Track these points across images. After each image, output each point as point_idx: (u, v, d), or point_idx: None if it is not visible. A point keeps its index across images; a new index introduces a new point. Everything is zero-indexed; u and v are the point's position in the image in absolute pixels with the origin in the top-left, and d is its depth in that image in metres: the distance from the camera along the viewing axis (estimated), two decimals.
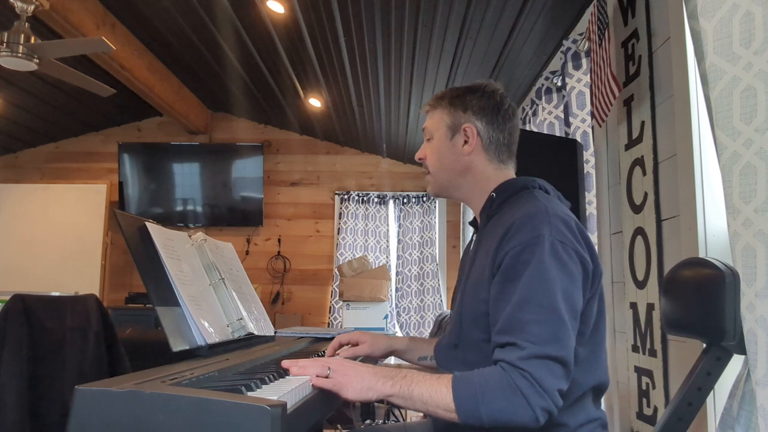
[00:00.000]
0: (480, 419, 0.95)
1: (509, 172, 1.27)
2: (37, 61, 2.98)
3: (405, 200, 5.45)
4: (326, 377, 1.04)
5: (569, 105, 2.40)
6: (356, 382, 1.02)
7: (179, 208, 5.46)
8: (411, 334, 5.24)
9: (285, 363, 1.11)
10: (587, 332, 1.07)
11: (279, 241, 5.51)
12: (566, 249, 1.02)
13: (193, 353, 1.21)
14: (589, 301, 1.07)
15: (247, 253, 5.44)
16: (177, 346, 1.16)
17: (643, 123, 1.74)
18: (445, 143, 1.26)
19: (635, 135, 1.79)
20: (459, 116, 1.24)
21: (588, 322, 1.07)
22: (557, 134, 2.65)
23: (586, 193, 2.22)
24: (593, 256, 1.08)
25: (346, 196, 5.44)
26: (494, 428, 0.97)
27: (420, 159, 1.32)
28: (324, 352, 1.46)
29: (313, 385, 1.03)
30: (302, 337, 1.85)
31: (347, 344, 1.42)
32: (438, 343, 1.32)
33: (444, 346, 1.25)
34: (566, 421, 1.05)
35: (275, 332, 1.77)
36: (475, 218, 1.31)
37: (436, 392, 0.99)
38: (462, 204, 5.11)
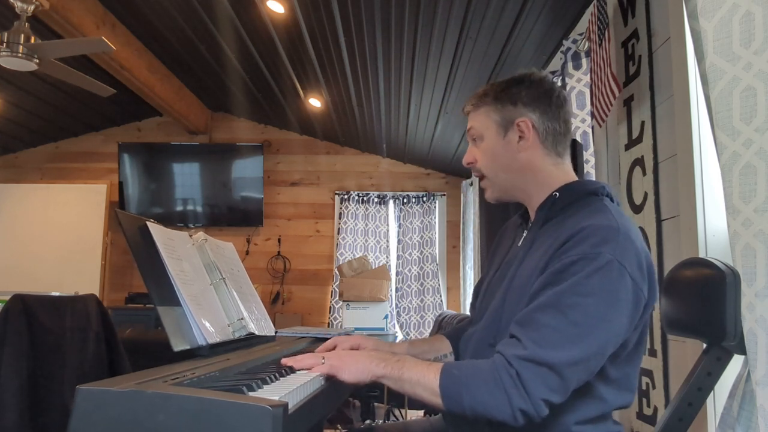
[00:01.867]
0: (462, 408, 0.95)
1: (567, 167, 1.19)
2: (37, 61, 2.98)
3: (405, 200, 5.46)
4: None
5: (569, 105, 2.40)
6: (352, 365, 1.05)
7: (179, 208, 5.47)
8: (411, 334, 5.24)
9: (284, 360, 1.15)
10: (623, 355, 1.03)
11: (279, 241, 5.51)
12: (622, 272, 0.95)
13: (194, 353, 1.21)
14: (634, 330, 1.02)
15: (247, 253, 5.44)
16: (178, 345, 1.16)
17: (643, 123, 1.74)
18: (498, 142, 1.17)
19: (635, 135, 1.79)
20: (509, 111, 1.15)
21: (626, 346, 1.03)
22: None
23: None
24: (651, 290, 1.01)
25: (346, 196, 5.45)
26: (493, 424, 0.96)
27: (469, 164, 1.22)
28: None
29: (311, 371, 1.07)
30: (303, 337, 1.85)
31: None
32: (466, 339, 1.24)
33: (476, 343, 1.17)
34: None
35: (276, 332, 1.78)
36: (525, 212, 1.23)
37: (424, 377, 0.99)
38: (462, 204, 5.11)
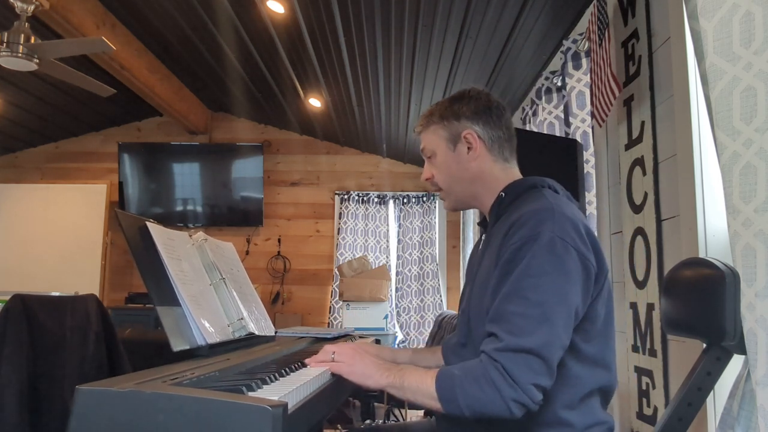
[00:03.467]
0: (460, 409, 0.99)
1: (515, 170, 1.26)
2: (37, 61, 2.98)
3: (405, 200, 5.45)
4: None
5: (569, 105, 2.40)
6: (359, 368, 1.13)
7: (179, 208, 5.47)
8: (411, 334, 5.25)
9: (307, 360, 1.23)
10: (592, 330, 1.07)
11: (279, 241, 5.51)
12: (566, 246, 1.01)
13: (194, 353, 1.21)
14: (594, 301, 1.07)
15: (247, 253, 5.44)
16: (178, 345, 1.16)
17: (643, 123, 1.74)
18: (450, 156, 1.25)
19: (635, 135, 1.79)
20: (454, 126, 1.24)
21: (594, 320, 1.07)
22: (557, 134, 2.66)
23: (586, 193, 2.22)
24: (599, 258, 1.07)
25: (346, 196, 5.45)
26: (482, 420, 1.00)
27: (427, 179, 1.30)
28: None
29: (320, 365, 1.17)
30: (303, 337, 1.85)
31: None
32: (445, 343, 1.32)
33: (452, 346, 1.25)
34: (572, 420, 1.06)
35: (276, 332, 1.78)
36: (484, 218, 1.30)
37: (423, 383, 1.04)
38: None
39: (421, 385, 1.04)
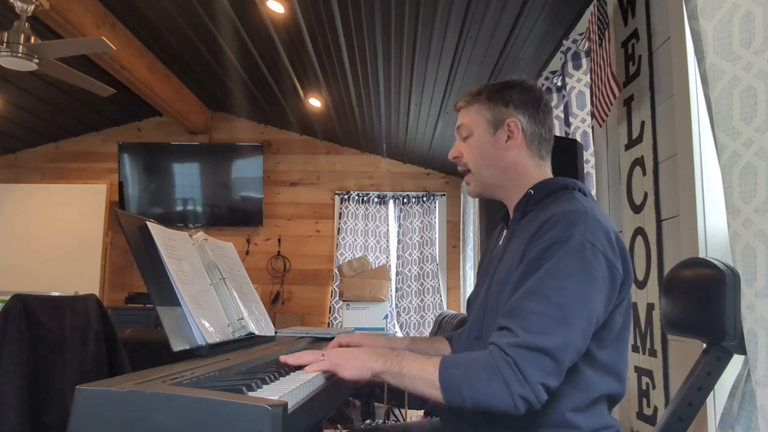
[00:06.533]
0: (462, 399, 0.96)
1: (548, 169, 1.24)
2: (37, 61, 2.98)
3: (405, 200, 5.45)
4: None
5: (569, 105, 2.40)
6: (351, 362, 1.07)
7: (179, 208, 5.47)
8: (411, 334, 5.24)
9: (282, 358, 1.16)
10: (608, 337, 1.06)
11: (279, 241, 5.51)
12: (595, 252, 1.00)
13: (194, 353, 1.21)
14: (615, 309, 1.05)
15: (247, 253, 5.44)
16: (177, 345, 1.16)
17: (643, 123, 1.74)
18: (488, 139, 1.21)
19: (635, 135, 1.79)
20: (501, 111, 1.21)
21: (611, 328, 1.06)
22: (557, 134, 2.65)
23: None
24: (626, 267, 1.05)
25: (346, 196, 5.45)
26: (481, 413, 0.98)
27: (455, 158, 1.26)
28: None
29: (309, 370, 1.09)
30: (302, 337, 1.85)
31: (347, 346, 1.41)
32: (457, 337, 1.30)
33: (465, 339, 1.22)
34: (580, 423, 1.05)
35: (276, 332, 1.78)
36: (506, 213, 1.28)
37: (423, 370, 1.01)
38: (462, 204, 5.11)
39: (421, 372, 1.00)
